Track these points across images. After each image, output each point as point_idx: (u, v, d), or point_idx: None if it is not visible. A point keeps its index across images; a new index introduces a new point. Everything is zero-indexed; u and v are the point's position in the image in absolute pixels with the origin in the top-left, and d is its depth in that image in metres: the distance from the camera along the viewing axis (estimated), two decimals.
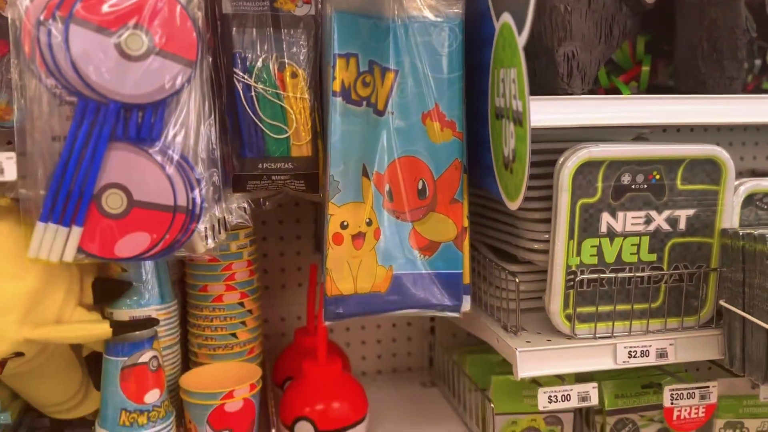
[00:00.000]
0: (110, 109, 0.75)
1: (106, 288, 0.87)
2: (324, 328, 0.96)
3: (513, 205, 0.80)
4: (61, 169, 0.75)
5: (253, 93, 0.84)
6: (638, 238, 0.92)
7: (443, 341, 1.27)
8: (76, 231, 0.76)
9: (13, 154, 0.75)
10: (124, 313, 0.88)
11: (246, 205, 0.89)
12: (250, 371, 0.92)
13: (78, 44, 0.73)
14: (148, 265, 0.90)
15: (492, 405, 0.96)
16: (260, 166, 0.86)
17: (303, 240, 1.24)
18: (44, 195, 0.76)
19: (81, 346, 0.91)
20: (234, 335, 0.98)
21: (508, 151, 0.79)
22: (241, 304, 0.98)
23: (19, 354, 0.81)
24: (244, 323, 0.98)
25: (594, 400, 0.95)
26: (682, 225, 0.93)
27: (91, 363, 0.90)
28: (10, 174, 0.74)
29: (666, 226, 0.92)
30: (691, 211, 0.92)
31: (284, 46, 0.84)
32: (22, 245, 0.80)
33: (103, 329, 0.80)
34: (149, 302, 0.90)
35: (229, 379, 0.90)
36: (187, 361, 1.00)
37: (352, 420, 0.96)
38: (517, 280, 0.92)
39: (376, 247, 0.89)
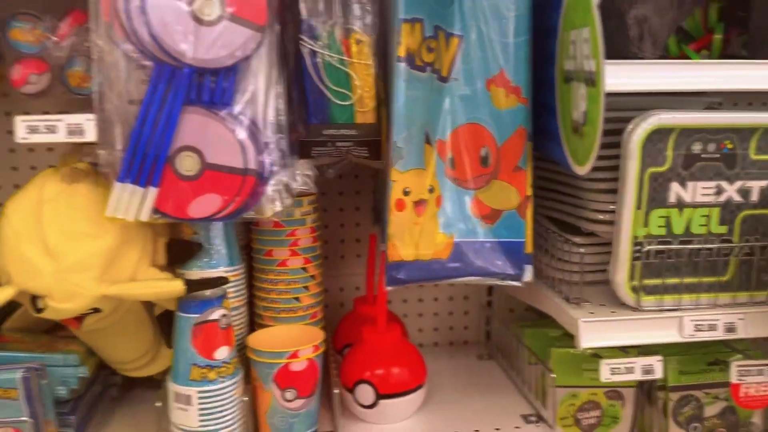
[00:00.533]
0: (184, 73, 0.78)
1: (179, 249, 0.90)
2: (384, 295, 0.98)
3: (582, 170, 0.79)
4: (137, 132, 0.78)
5: (319, 59, 0.85)
6: (708, 209, 0.90)
7: (500, 315, 1.27)
8: (152, 191, 0.80)
9: (93, 116, 0.78)
10: (195, 273, 0.92)
11: (310, 173, 0.91)
12: (314, 333, 0.94)
13: (154, 10, 0.76)
14: (218, 229, 0.93)
15: (554, 376, 0.96)
16: (325, 132, 0.87)
17: (362, 212, 1.26)
18: (121, 156, 0.79)
19: (154, 305, 0.95)
20: (297, 299, 1.00)
21: (578, 114, 0.78)
22: (305, 269, 1.00)
23: (97, 310, 0.86)
24: (306, 288, 1.00)
25: (658, 374, 0.93)
26: (754, 196, 0.90)
27: (163, 322, 0.94)
28: (90, 135, 0.78)
29: (737, 198, 0.89)
30: (764, 183, 0.89)
31: (350, 12, 0.85)
32: (99, 206, 0.84)
33: (177, 286, 0.83)
34: (218, 264, 0.93)
35: (293, 340, 0.92)
36: (253, 323, 1.03)
37: (411, 385, 0.98)
38: (581, 250, 0.91)
39: (438, 214, 0.89)
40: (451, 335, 1.32)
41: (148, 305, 0.96)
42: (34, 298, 0.85)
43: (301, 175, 0.89)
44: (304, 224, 0.99)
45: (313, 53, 0.85)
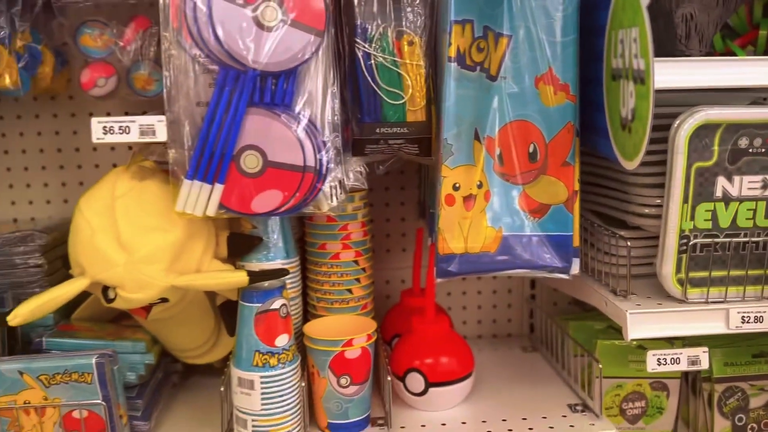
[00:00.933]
0: (248, 76, 0.82)
1: (240, 242, 0.95)
2: (433, 286, 1.01)
3: (630, 165, 0.81)
4: (204, 132, 0.83)
5: (372, 61, 0.89)
6: (755, 203, 0.91)
7: (544, 308, 1.29)
8: (218, 188, 0.84)
9: (164, 118, 0.83)
10: (254, 266, 0.96)
11: (361, 170, 0.95)
12: (366, 323, 0.98)
13: (220, 17, 0.81)
14: (275, 223, 0.97)
15: (600, 366, 0.98)
16: (378, 130, 0.91)
17: (407, 206, 1.29)
18: (190, 155, 0.84)
19: (215, 295, 1.00)
20: (349, 291, 1.04)
21: (627, 111, 0.80)
22: (356, 262, 1.04)
23: (164, 300, 0.91)
24: (358, 280, 1.04)
25: (704, 365, 0.95)
26: None
27: (224, 311, 0.99)
28: (161, 135, 0.83)
29: None
30: None
31: (402, 15, 0.89)
32: (167, 202, 0.89)
33: (241, 277, 0.88)
34: (275, 257, 0.97)
35: (347, 329, 0.96)
36: (306, 314, 1.07)
37: (460, 374, 1.01)
38: (628, 243, 0.93)
39: (486, 209, 0.92)
40: (495, 328, 1.35)
41: (210, 295, 1.01)
42: (105, 289, 0.91)
43: (354, 172, 0.93)
44: (355, 219, 1.03)
45: (367, 55, 0.89)
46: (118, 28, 0.99)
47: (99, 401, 0.87)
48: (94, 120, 0.83)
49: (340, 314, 1.03)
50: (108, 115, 1.19)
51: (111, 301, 0.91)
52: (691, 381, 1.11)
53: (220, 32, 0.80)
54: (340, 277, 1.04)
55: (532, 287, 1.34)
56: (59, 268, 1.05)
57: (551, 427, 0.97)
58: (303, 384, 0.93)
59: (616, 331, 1.13)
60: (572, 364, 1.13)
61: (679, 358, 0.95)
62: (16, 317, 0.86)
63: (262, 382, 0.88)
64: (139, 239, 0.87)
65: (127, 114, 1.19)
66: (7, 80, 0.92)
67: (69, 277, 0.95)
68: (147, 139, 0.83)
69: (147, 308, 0.93)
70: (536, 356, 1.25)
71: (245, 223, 0.98)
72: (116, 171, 0.93)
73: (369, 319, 1.01)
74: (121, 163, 1.20)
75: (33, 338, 0.96)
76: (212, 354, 1.08)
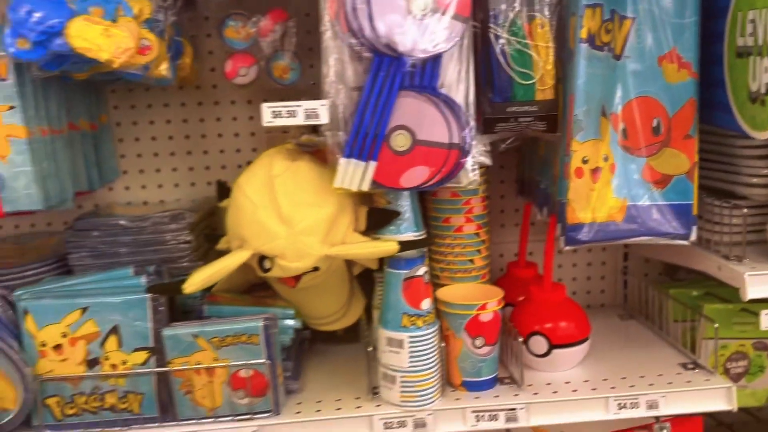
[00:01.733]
0: (401, 62, 0.90)
1: (379, 216, 1.02)
2: (551, 256, 1.08)
3: (762, 135, 0.87)
4: (360, 114, 0.91)
5: (505, 44, 0.96)
6: None
7: (636, 279, 1.36)
8: (372, 165, 0.92)
9: (326, 102, 0.91)
10: (389, 238, 1.04)
11: (488, 147, 1.02)
12: (492, 290, 1.06)
13: (377, 8, 0.88)
14: (407, 198, 1.05)
15: (716, 325, 1.05)
16: (508, 109, 0.98)
17: (506, 184, 1.36)
18: (346, 136, 0.92)
19: (353, 266, 1.09)
20: (471, 261, 1.12)
21: (758, 85, 0.86)
22: (477, 234, 1.11)
23: (316, 269, 0.99)
24: (479, 251, 1.12)
25: None
26: None
27: (362, 280, 1.07)
28: (324, 118, 0.91)
29: None
30: None
31: (534, 0, 0.95)
32: (319, 180, 0.97)
33: (392, 246, 0.96)
34: (407, 230, 1.05)
35: (474, 296, 1.04)
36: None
37: (580, 337, 1.08)
38: (745, 211, 0.99)
39: (612, 181, 0.99)
40: (589, 299, 1.42)
41: (349, 266, 1.09)
42: (262, 260, 0.99)
43: (482, 149, 1.01)
44: (477, 194, 1.11)
45: (500, 39, 0.96)
46: (258, 19, 1.07)
47: (265, 361, 0.96)
48: (264, 105, 0.91)
49: (464, 283, 1.11)
50: (233, 104, 1.28)
51: (267, 270, 1.00)
52: None
53: (378, 24, 0.88)
54: (462, 248, 1.11)
55: (624, 259, 1.40)
56: (202, 243, 1.14)
57: (670, 383, 1.04)
58: (442, 344, 1.01)
59: (714, 296, 1.20)
60: (672, 329, 1.20)
61: None
62: (191, 285, 0.95)
63: (410, 342, 0.96)
64: (297, 213, 0.95)
65: (250, 102, 1.29)
66: (164, 70, 1.00)
67: (211, 251, 1.03)
68: (311, 122, 0.91)
69: (297, 277, 1.01)
70: (634, 323, 1.31)
71: (379, 198, 1.06)
72: (269, 153, 1.01)
73: (493, 287, 1.08)
74: (248, 147, 1.30)
75: (189, 307, 1.06)
76: (342, 321, 1.16)
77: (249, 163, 1.28)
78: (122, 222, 1.08)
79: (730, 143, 1.05)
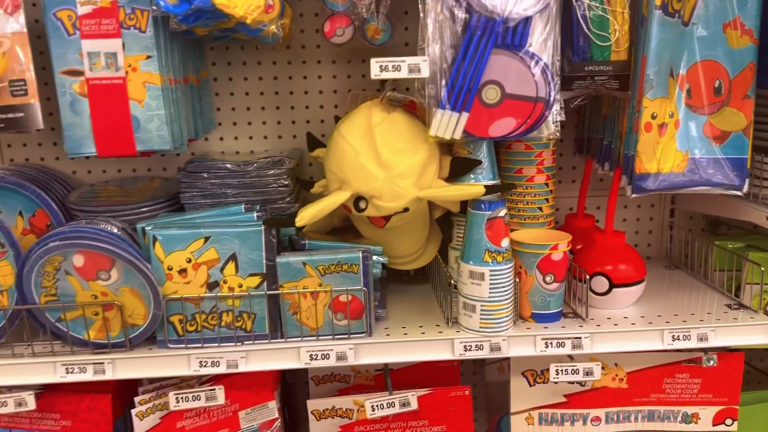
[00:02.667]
0: (496, 23, 1.01)
1: (462, 164, 1.15)
2: (614, 204, 1.20)
3: None
4: (456, 69, 1.02)
5: (586, 9, 1.06)
6: None
7: (681, 233, 1.47)
8: (464, 116, 1.04)
9: (426, 58, 1.02)
10: (470, 184, 1.16)
11: (562, 104, 1.13)
12: (561, 234, 1.18)
13: None
14: (486, 149, 1.17)
15: (763, 269, 1.16)
16: (586, 68, 1.09)
17: (565, 143, 1.47)
18: (443, 88, 1.03)
19: (434, 209, 1.21)
20: (540, 209, 1.24)
21: None
22: (546, 185, 1.23)
23: (406, 210, 1.12)
24: (547, 200, 1.24)
25: None
26: None
27: (441, 223, 1.20)
28: (425, 72, 1.02)
29: None
30: None
31: None
32: (413, 129, 1.09)
33: (479, 189, 1.08)
34: (485, 178, 1.17)
35: (545, 238, 1.16)
36: None
37: (638, 278, 1.21)
38: None
39: (676, 136, 1.10)
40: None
41: (431, 210, 1.21)
42: (358, 200, 1.12)
43: (559, 106, 1.12)
44: (548, 147, 1.22)
45: (582, 4, 1.06)
46: None
47: (362, 287, 1.09)
48: (372, 60, 1.02)
49: (534, 228, 1.23)
50: (318, 63, 1.40)
51: (362, 210, 1.12)
52: None
53: None
54: (533, 197, 1.23)
55: (671, 215, 1.52)
56: (296, 186, 1.27)
57: (718, 320, 1.16)
58: (517, 279, 1.14)
59: (755, 248, 1.32)
60: (715, 277, 1.32)
61: None
62: (302, 219, 1.08)
63: (490, 275, 1.09)
64: (395, 159, 1.07)
65: (334, 62, 1.40)
66: (276, 28, 1.11)
67: (303, 194, 1.15)
68: (414, 76, 1.02)
69: (387, 218, 1.14)
70: (679, 272, 1.43)
71: (460, 149, 1.18)
72: (368, 105, 1.13)
73: (561, 231, 1.20)
74: (330, 103, 1.42)
75: (291, 242, 1.18)
76: (418, 262, 1.29)
77: (334, 118, 1.41)
78: (229, 165, 1.20)
79: None
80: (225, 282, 1.09)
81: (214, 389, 1.14)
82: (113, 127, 1.06)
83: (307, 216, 1.08)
